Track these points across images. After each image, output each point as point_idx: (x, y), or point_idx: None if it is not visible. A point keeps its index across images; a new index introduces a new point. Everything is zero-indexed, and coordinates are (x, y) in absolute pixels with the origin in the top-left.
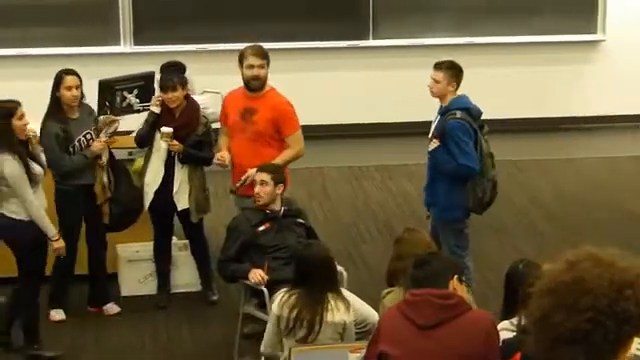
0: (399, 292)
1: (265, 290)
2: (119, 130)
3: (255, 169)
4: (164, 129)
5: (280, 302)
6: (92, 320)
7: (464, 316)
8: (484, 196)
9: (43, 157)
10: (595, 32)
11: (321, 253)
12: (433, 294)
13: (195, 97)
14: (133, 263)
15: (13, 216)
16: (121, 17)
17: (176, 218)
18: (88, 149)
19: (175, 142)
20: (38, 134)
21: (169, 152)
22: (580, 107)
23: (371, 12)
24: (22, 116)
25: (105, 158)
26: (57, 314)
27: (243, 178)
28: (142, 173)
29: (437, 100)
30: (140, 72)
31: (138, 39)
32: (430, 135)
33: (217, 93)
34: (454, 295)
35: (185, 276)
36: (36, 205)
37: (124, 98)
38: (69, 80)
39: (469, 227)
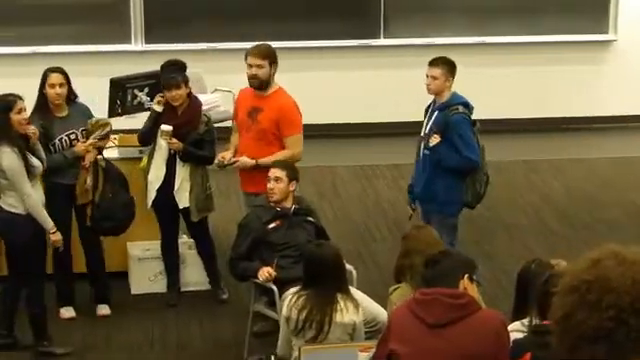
0: (406, 288)
1: (275, 288)
2: (131, 129)
3: (247, 159)
4: (164, 127)
5: (289, 304)
6: (102, 318)
7: (474, 316)
8: (481, 190)
9: (42, 152)
10: (607, 32)
11: (331, 253)
12: (443, 293)
13: (206, 95)
14: (143, 261)
15: (11, 210)
16: (132, 16)
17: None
18: (69, 149)
19: (174, 140)
20: None
21: (170, 150)
22: (592, 107)
23: (382, 11)
24: (21, 110)
25: (89, 160)
26: (67, 312)
27: (234, 159)
28: (146, 171)
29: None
30: (151, 70)
31: (149, 37)
32: (425, 132)
33: (228, 92)
34: (464, 294)
35: (195, 274)
36: (34, 198)
37: (135, 96)
38: (53, 77)
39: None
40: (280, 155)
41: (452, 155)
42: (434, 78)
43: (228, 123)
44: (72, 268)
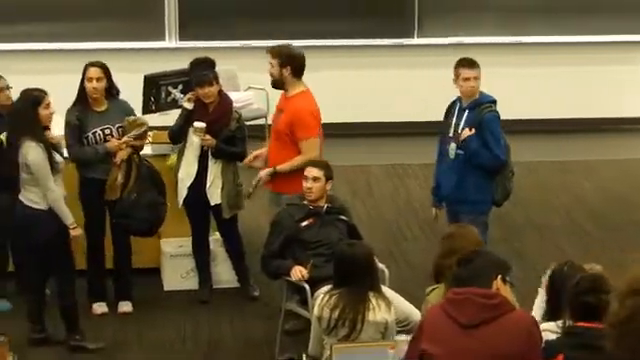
0: (444, 289)
1: (307, 287)
2: (164, 125)
3: (265, 171)
4: (197, 124)
5: (320, 304)
6: (134, 314)
7: (507, 316)
8: (509, 187)
9: (62, 149)
10: None
11: (363, 252)
12: (476, 293)
13: (240, 93)
14: (175, 258)
15: (33, 206)
16: (167, 12)
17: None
18: (102, 144)
19: (208, 137)
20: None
21: (202, 147)
22: (625, 108)
23: (416, 10)
24: (48, 105)
25: (120, 158)
26: (99, 307)
27: (254, 183)
28: (176, 169)
29: None
30: (185, 67)
31: (183, 34)
32: (454, 133)
33: (261, 89)
34: (497, 295)
35: (226, 272)
36: (57, 193)
37: (169, 93)
38: (91, 71)
39: None
40: (295, 161)
41: (483, 152)
42: (476, 78)
43: (261, 121)
44: (104, 264)
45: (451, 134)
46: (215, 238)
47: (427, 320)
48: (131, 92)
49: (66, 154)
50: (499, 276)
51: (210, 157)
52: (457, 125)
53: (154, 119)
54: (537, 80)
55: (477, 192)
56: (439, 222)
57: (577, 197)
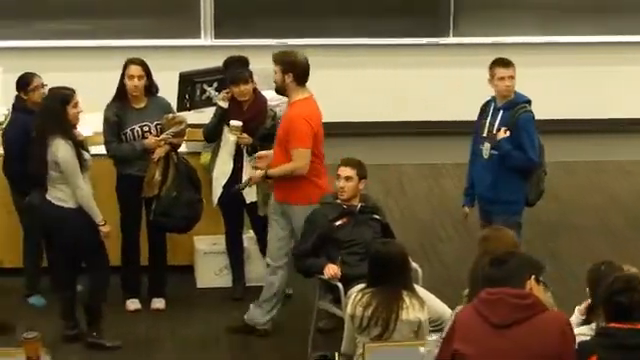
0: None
1: (340, 285)
2: (199, 123)
3: (258, 172)
4: (233, 123)
5: (353, 302)
6: (167, 311)
7: (539, 316)
8: (542, 187)
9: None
10: None
11: (397, 251)
12: (508, 293)
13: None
14: (209, 255)
15: (61, 204)
16: (202, 10)
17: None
18: (140, 140)
19: (245, 135)
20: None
21: (237, 145)
22: None
23: (452, 9)
24: (77, 104)
25: (158, 155)
26: (132, 304)
27: (244, 181)
28: (210, 168)
29: None
30: (220, 65)
31: (219, 32)
32: (488, 133)
33: None
34: (530, 295)
35: (259, 269)
36: (86, 190)
37: (204, 91)
38: (132, 69)
39: None
40: (283, 168)
41: (516, 154)
42: (511, 78)
43: None
44: (139, 260)
45: (485, 134)
46: (249, 236)
47: (460, 320)
48: (166, 89)
49: (93, 151)
50: (532, 276)
51: (245, 155)
52: (492, 125)
53: (189, 117)
54: (572, 80)
55: (511, 193)
56: (469, 221)
57: (612, 197)
